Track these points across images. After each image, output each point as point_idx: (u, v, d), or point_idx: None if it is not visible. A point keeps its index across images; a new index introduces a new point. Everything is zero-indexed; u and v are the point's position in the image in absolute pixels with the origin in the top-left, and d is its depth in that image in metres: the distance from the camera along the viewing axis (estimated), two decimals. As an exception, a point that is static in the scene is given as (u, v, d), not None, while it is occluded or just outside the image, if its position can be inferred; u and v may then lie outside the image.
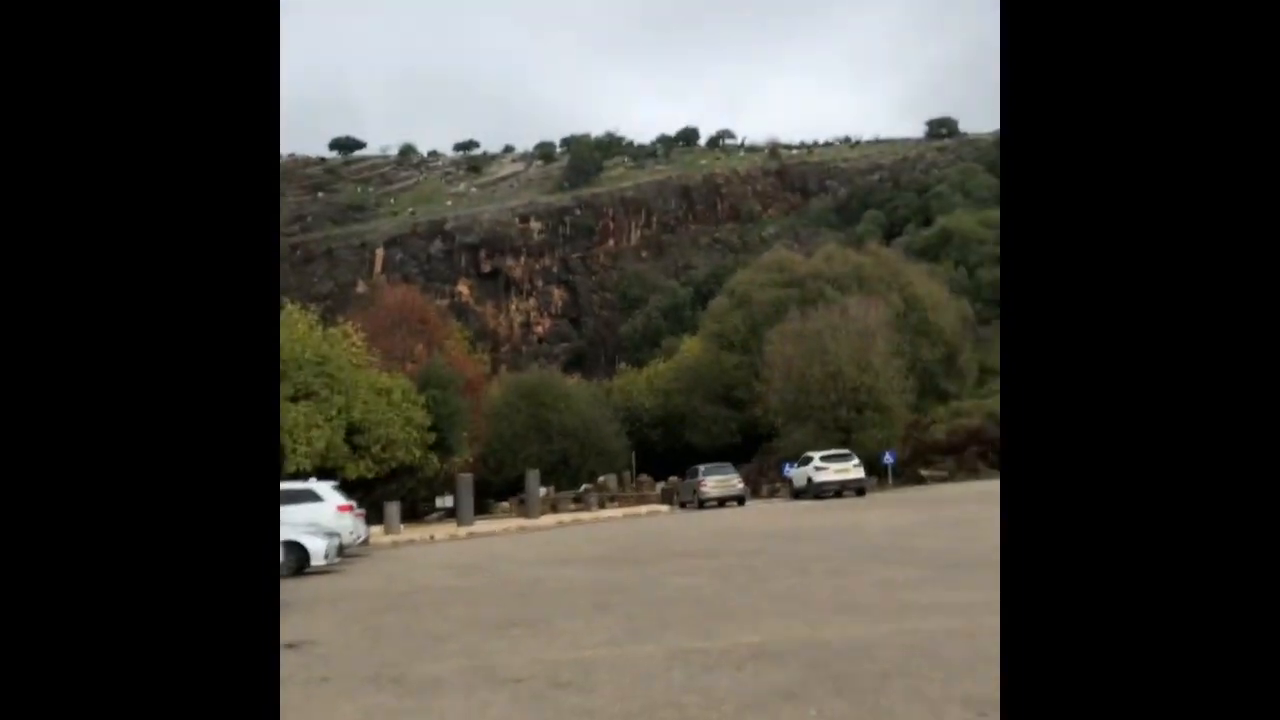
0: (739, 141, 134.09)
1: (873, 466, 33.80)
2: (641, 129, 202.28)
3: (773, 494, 38.55)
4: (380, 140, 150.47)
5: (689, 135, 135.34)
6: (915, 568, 9.74)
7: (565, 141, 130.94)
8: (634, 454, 48.00)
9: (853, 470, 31.10)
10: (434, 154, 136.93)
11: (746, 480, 35.76)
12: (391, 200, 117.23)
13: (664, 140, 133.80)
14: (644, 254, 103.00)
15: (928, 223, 78.62)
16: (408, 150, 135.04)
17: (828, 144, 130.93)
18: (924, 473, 37.39)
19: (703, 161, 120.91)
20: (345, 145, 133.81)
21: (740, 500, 32.46)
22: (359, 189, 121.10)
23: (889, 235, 78.62)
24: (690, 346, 55.99)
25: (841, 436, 35.05)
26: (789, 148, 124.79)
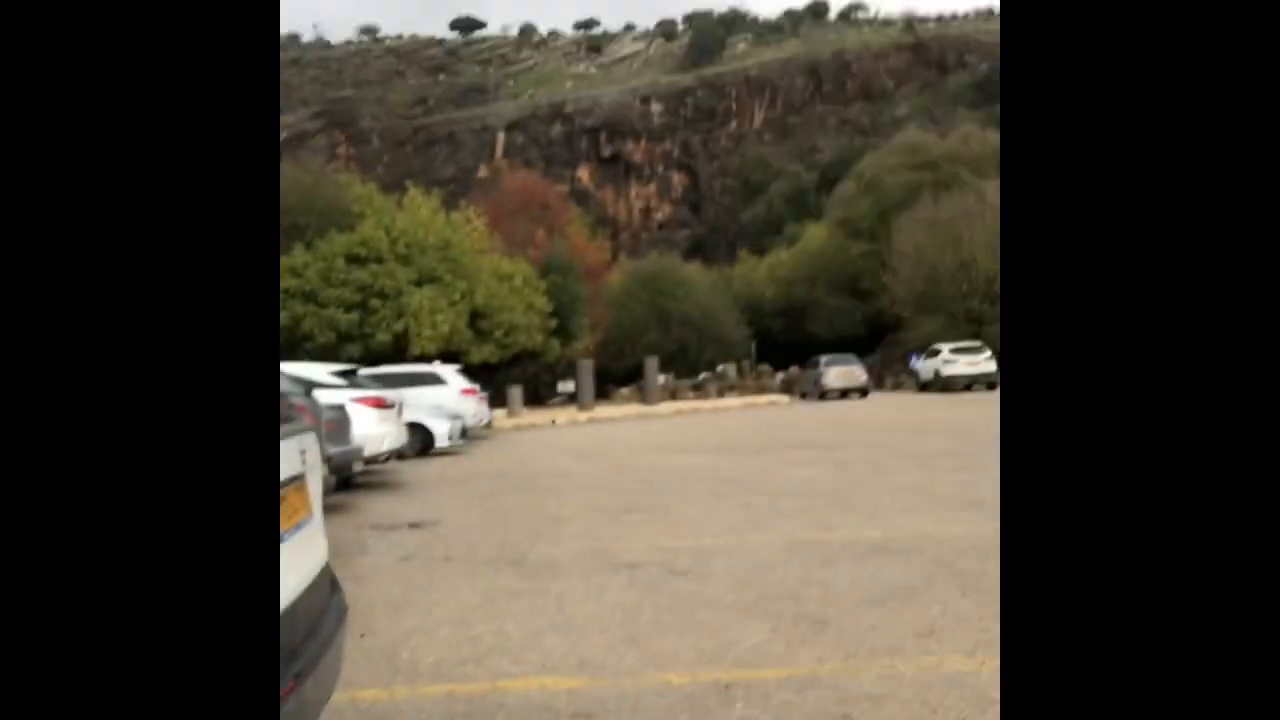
0: (871, 14, 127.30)
1: (1004, 360, 32.59)
2: (768, 2, 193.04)
3: (897, 387, 37.81)
4: (501, 19, 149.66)
5: (818, 8, 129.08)
6: (1048, 466, 9.31)
7: (688, 18, 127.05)
8: (754, 343, 47.70)
9: (984, 363, 30.09)
10: (554, 33, 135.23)
11: (870, 372, 35.09)
12: (511, 82, 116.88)
13: (791, 14, 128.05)
14: (768, 137, 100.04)
15: (1075, 100, 73.56)
16: (528, 30, 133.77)
17: (967, 16, 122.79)
18: (1059, 366, 35.82)
19: (832, 37, 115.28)
20: (466, 25, 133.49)
21: (863, 392, 31.94)
22: (480, 70, 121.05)
23: (1032, 114, 73.74)
24: (814, 234, 54.61)
25: (973, 329, 33.85)
26: (925, 20, 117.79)
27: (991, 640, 3.67)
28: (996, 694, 3.09)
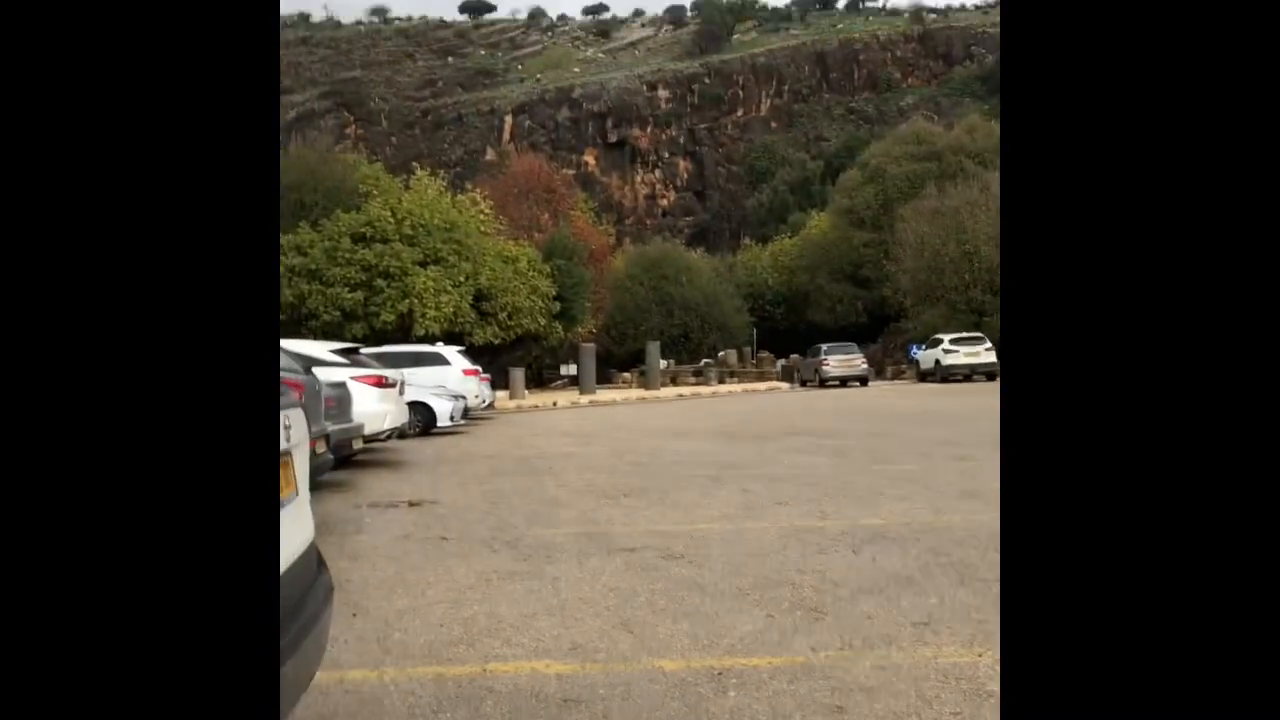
0: (879, 4, 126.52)
1: (1005, 352, 32.53)
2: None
3: (897, 376, 37.76)
4: (510, 3, 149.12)
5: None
6: (1049, 458, 9.26)
7: (696, 5, 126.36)
8: (755, 330, 47.66)
9: (984, 354, 30.05)
10: (563, 18, 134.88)
11: (870, 361, 35.06)
12: (520, 66, 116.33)
13: (798, 3, 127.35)
14: (773, 125, 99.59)
15: (1083, 93, 73.30)
16: (537, 13, 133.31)
17: (976, 7, 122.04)
18: (1060, 360, 35.75)
19: (839, 26, 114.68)
20: (475, 8, 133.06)
21: (863, 380, 31.89)
22: (488, 53, 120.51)
23: (1039, 106, 73.46)
24: (818, 223, 54.47)
25: (974, 319, 33.77)
26: (933, 11, 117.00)
27: (990, 631, 3.63)
28: (994, 686, 3.05)
